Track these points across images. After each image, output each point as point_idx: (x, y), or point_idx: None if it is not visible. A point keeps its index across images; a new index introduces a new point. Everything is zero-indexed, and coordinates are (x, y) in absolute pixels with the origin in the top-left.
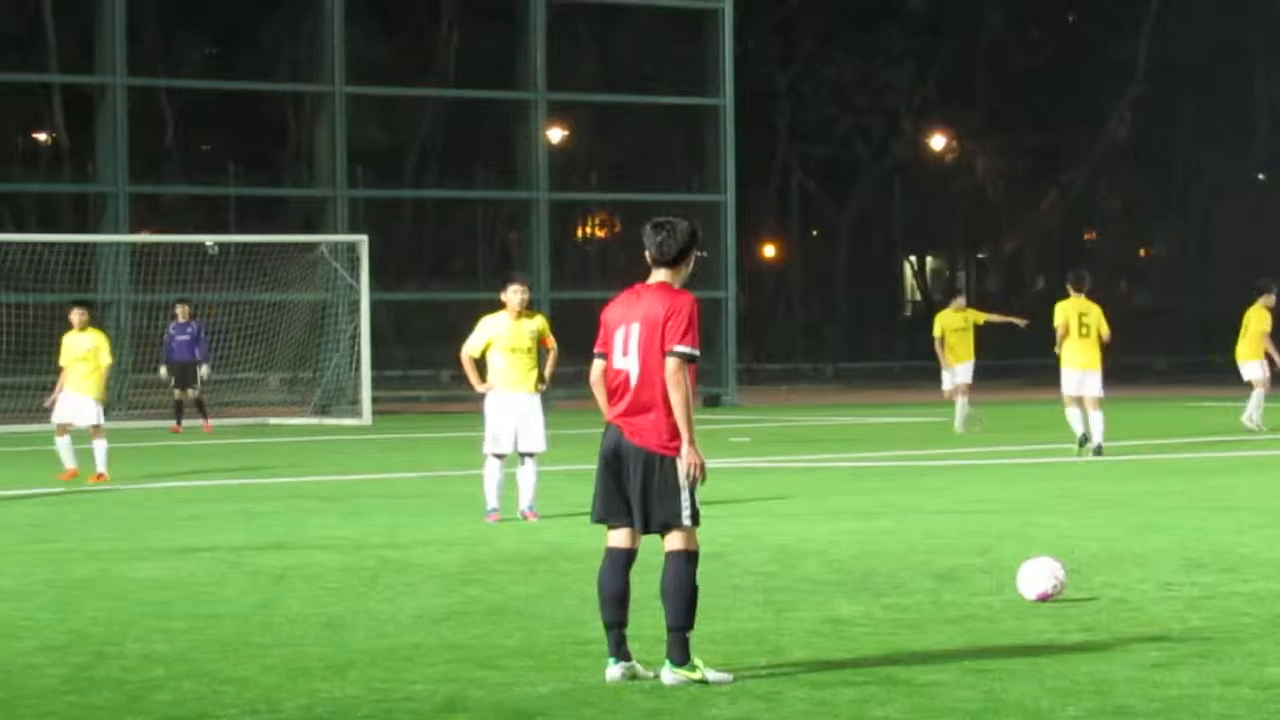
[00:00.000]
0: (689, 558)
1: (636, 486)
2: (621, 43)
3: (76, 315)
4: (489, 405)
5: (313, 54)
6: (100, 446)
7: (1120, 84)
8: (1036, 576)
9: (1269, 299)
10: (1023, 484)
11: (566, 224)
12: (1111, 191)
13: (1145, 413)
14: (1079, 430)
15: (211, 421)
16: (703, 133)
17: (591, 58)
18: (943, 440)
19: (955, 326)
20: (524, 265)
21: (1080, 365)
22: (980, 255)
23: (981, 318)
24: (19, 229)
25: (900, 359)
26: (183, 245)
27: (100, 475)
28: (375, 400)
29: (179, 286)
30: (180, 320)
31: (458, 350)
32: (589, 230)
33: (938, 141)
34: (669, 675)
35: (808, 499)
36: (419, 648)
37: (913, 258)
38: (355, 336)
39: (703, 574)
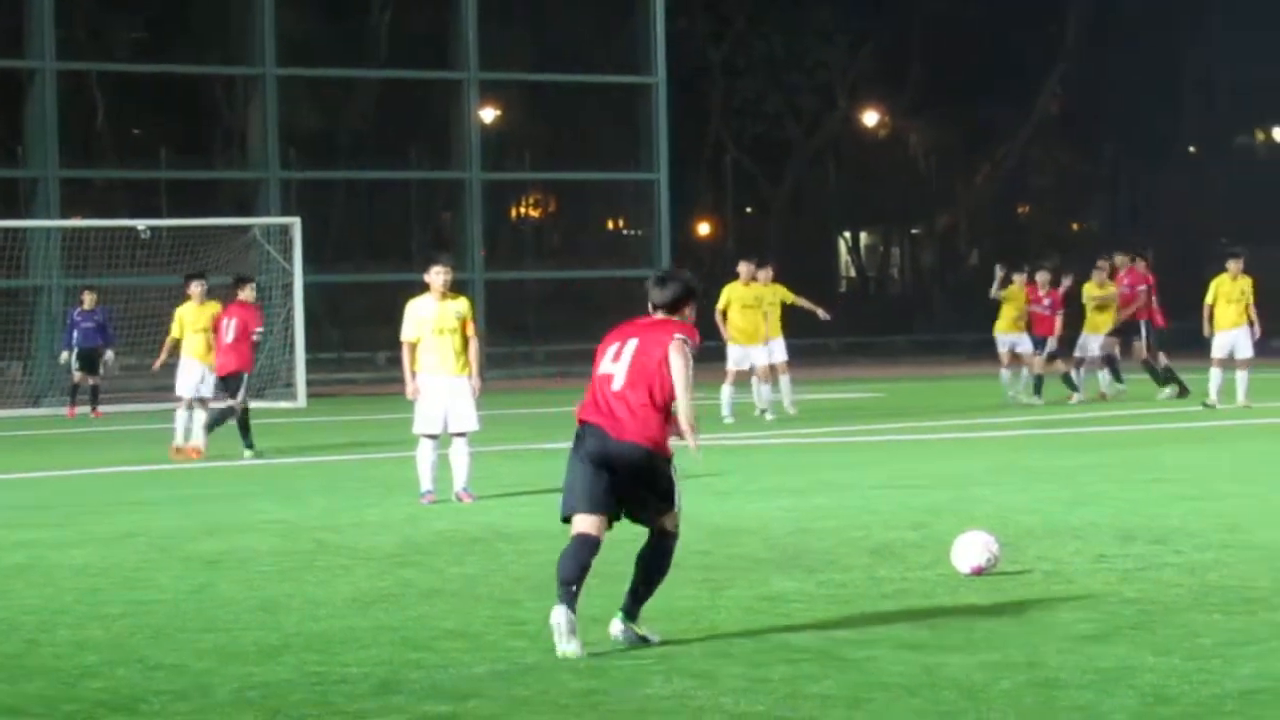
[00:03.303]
0: (674, 539)
1: (626, 481)
2: (554, 21)
3: None
4: (418, 386)
5: (244, 36)
6: None
7: (1051, 58)
8: (970, 550)
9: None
10: (958, 458)
11: (500, 204)
12: (1043, 166)
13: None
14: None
15: (102, 409)
16: (636, 111)
17: (524, 37)
18: (878, 415)
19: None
20: (457, 246)
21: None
22: (914, 231)
23: (786, 297)
24: None
25: (835, 335)
26: (115, 229)
27: None
28: (310, 383)
29: (112, 271)
30: (86, 308)
31: (393, 332)
32: (523, 210)
33: (871, 117)
34: (618, 626)
35: (743, 476)
36: (353, 630)
37: (847, 234)
38: (289, 319)
39: (637, 551)
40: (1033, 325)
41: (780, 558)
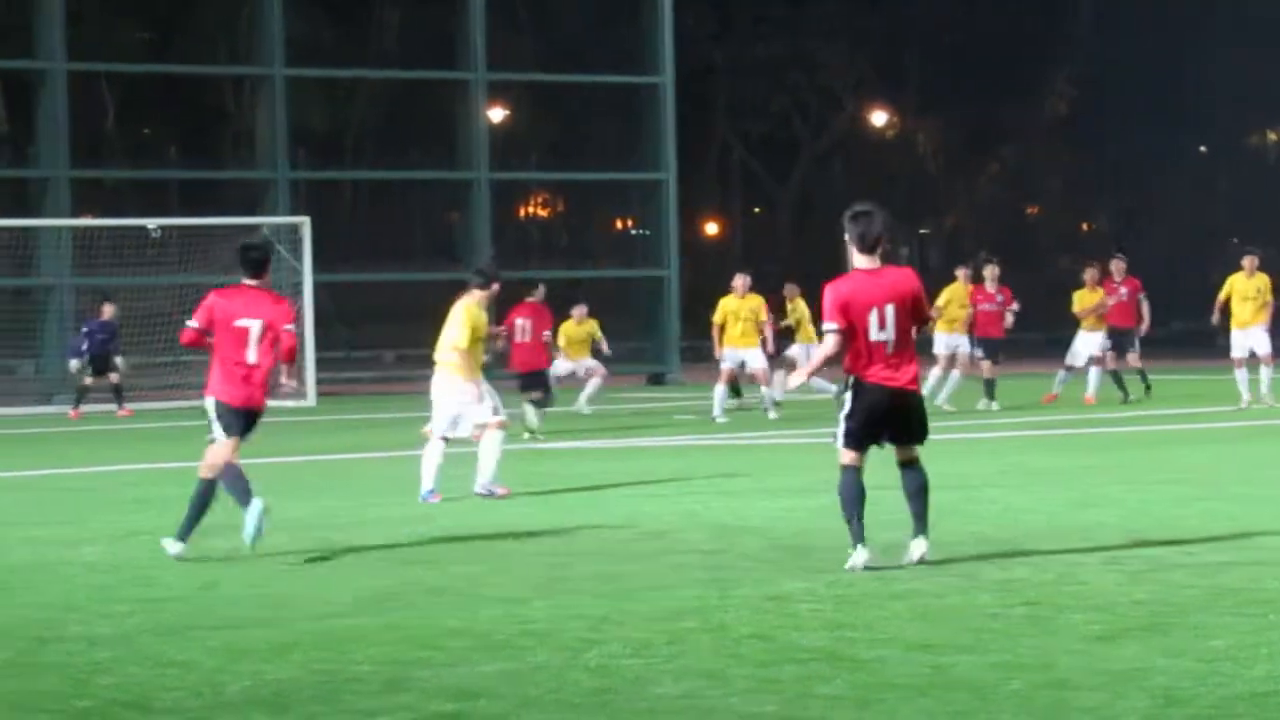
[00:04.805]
0: (918, 462)
1: (898, 419)
2: (561, 21)
3: None
4: (441, 388)
5: (252, 36)
6: None
7: (1059, 59)
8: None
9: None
10: (965, 459)
11: (507, 203)
12: (1051, 166)
13: (1085, 387)
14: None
15: (130, 406)
16: (642, 111)
17: (531, 37)
18: None
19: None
20: (465, 246)
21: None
22: (923, 230)
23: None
24: None
25: None
26: (125, 229)
27: None
28: (319, 381)
29: (121, 270)
30: (106, 318)
31: (400, 330)
32: (530, 210)
33: (878, 118)
34: (921, 545)
35: (750, 477)
36: (361, 628)
37: None
38: (299, 318)
39: (645, 551)
40: (979, 326)
41: (787, 558)
